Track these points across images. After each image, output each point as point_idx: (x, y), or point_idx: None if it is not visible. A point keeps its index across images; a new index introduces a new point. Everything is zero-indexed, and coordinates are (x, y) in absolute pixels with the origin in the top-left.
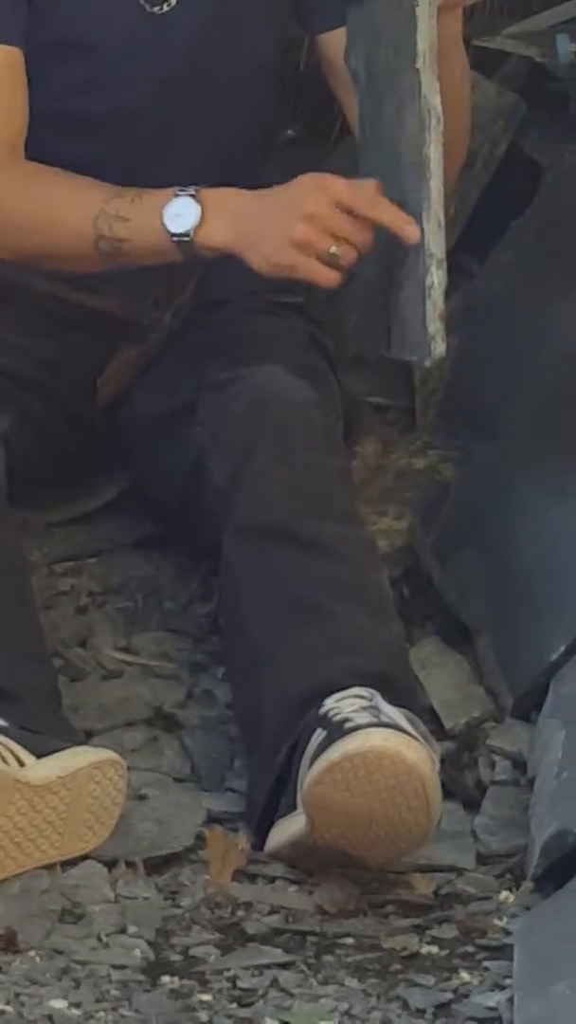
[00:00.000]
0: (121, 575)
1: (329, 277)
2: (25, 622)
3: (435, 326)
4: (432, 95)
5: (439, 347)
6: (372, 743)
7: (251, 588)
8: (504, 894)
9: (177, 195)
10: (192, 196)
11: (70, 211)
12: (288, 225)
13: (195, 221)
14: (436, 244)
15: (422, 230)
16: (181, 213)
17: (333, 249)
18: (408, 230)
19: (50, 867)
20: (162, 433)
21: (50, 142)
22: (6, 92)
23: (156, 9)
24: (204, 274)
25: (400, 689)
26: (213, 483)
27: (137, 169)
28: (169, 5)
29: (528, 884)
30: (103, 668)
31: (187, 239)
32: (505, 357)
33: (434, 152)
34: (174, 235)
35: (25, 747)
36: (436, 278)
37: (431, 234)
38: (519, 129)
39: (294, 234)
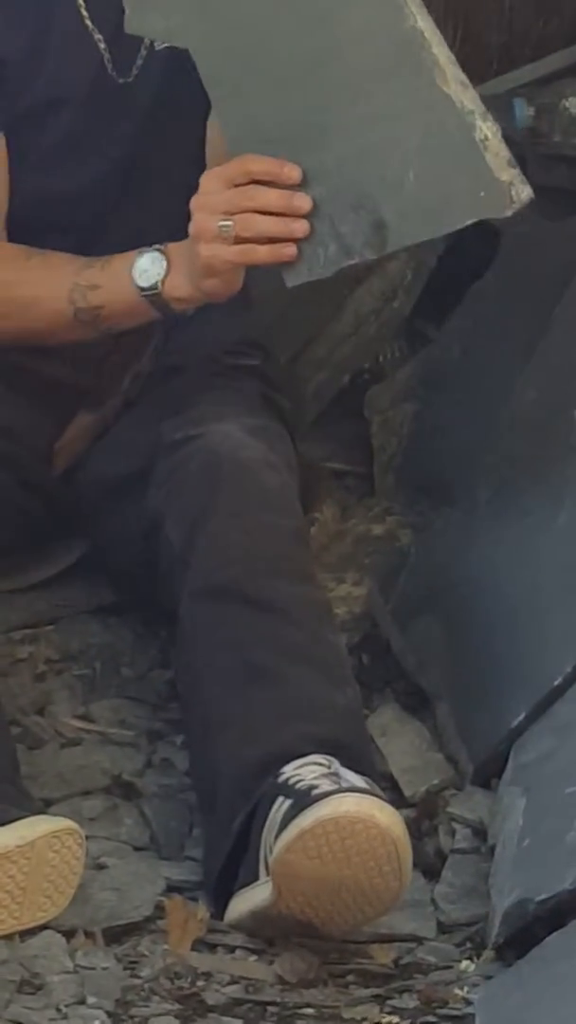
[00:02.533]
0: (79, 642)
1: (241, 253)
2: None
3: (508, 173)
4: None
5: (522, 191)
6: (345, 808)
7: (206, 651)
8: (465, 963)
9: (143, 252)
10: (158, 250)
11: (45, 289)
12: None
13: (162, 273)
14: (470, 100)
15: (448, 95)
16: (148, 268)
17: (221, 223)
18: (286, 171)
19: (8, 937)
20: (119, 497)
21: (13, 211)
22: None
23: (122, 80)
24: (162, 340)
25: (356, 755)
26: (169, 545)
27: (96, 237)
28: (133, 75)
29: (489, 953)
30: (61, 736)
31: (156, 292)
32: (464, 422)
33: (422, 23)
34: (143, 290)
35: None
36: (487, 130)
37: (459, 94)
38: None
39: (194, 238)
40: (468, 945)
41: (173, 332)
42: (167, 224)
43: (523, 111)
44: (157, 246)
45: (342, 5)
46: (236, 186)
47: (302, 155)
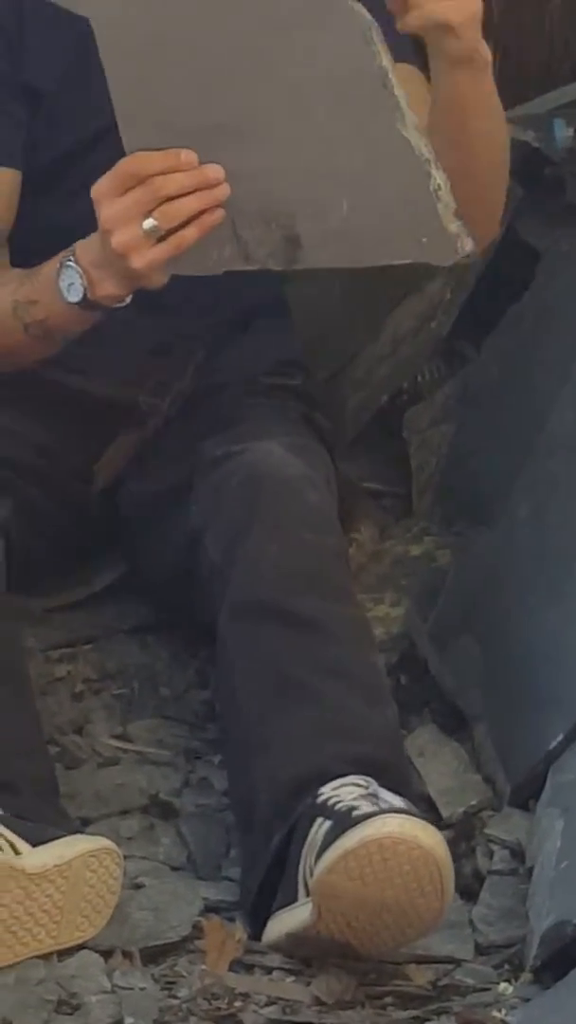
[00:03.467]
0: (117, 662)
1: (174, 247)
2: (22, 711)
3: (455, 224)
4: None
5: (466, 244)
6: (388, 829)
7: (243, 667)
8: (503, 985)
9: (61, 264)
10: (72, 260)
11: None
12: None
13: (83, 283)
14: (426, 147)
15: (407, 140)
16: (72, 282)
17: (145, 227)
18: (183, 158)
19: (46, 957)
20: (158, 514)
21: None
22: None
23: None
24: (203, 359)
25: (394, 775)
26: (209, 560)
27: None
28: None
29: (527, 975)
30: (99, 755)
31: (87, 302)
32: (502, 442)
33: (387, 63)
34: (76, 303)
35: (21, 835)
36: (439, 179)
37: (417, 140)
38: (516, 214)
39: (121, 254)
40: (506, 967)
41: (215, 351)
42: None
43: (562, 131)
44: (69, 255)
45: (307, 21)
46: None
47: (208, 152)
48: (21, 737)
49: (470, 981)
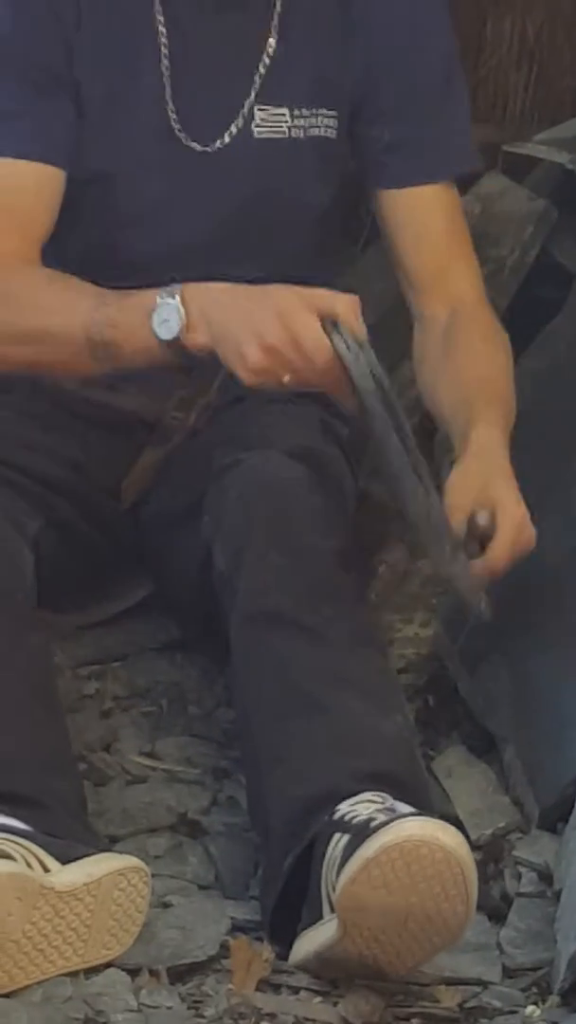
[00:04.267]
0: (146, 679)
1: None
2: (51, 728)
3: (475, 598)
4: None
5: (486, 612)
6: (408, 832)
7: (253, 679)
8: (530, 1008)
9: (161, 299)
10: (176, 298)
11: (61, 319)
12: (251, 343)
13: (180, 323)
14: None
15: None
16: (168, 319)
17: (286, 380)
18: (345, 402)
19: (73, 974)
20: (178, 529)
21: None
22: (30, 206)
23: (204, 147)
24: (229, 374)
25: (409, 788)
26: (218, 571)
27: None
28: (223, 143)
29: (555, 998)
30: (127, 773)
31: (177, 343)
32: (534, 465)
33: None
34: (164, 340)
35: (50, 853)
36: (453, 567)
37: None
38: (549, 235)
39: (253, 359)
40: (534, 990)
41: None
42: None
43: None
44: (173, 293)
45: None
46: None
47: None
48: (50, 754)
49: (497, 1004)
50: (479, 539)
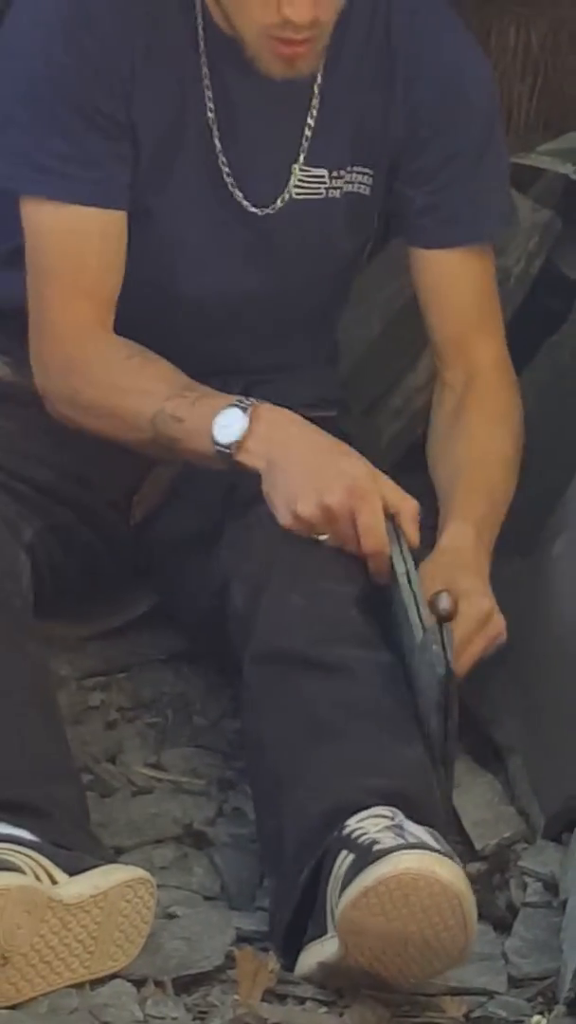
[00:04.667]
0: (151, 690)
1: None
2: (53, 738)
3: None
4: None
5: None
6: (405, 865)
7: (271, 714)
8: (536, 1018)
9: (232, 405)
10: (244, 408)
11: (132, 403)
12: (309, 497)
13: (240, 435)
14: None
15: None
16: (230, 424)
17: (323, 537)
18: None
19: (79, 986)
20: (190, 554)
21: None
22: (97, 256)
23: (258, 211)
24: (242, 395)
25: (421, 807)
26: (234, 609)
27: (196, 349)
28: (274, 208)
29: (560, 1008)
30: (133, 784)
31: (228, 452)
32: (537, 476)
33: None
34: (218, 444)
35: (57, 864)
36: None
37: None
38: (554, 246)
39: (304, 511)
40: (539, 1000)
41: (253, 389)
42: (279, 340)
43: None
44: (247, 403)
45: None
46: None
47: None
48: (52, 762)
49: (503, 1013)
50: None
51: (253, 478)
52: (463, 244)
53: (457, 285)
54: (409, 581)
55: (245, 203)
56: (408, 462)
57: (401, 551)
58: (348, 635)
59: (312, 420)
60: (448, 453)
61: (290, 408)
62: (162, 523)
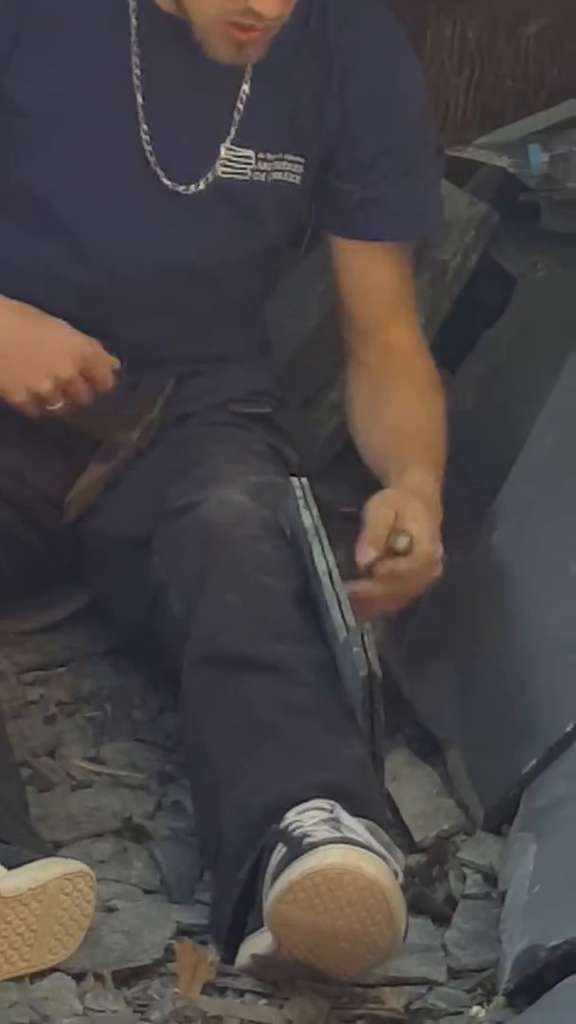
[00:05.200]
0: (91, 684)
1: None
2: None
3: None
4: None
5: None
6: (331, 860)
7: (209, 715)
8: (475, 1009)
9: None
10: None
11: None
12: (34, 375)
13: None
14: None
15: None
16: None
17: (59, 405)
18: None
19: (18, 979)
20: (124, 559)
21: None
22: None
23: (181, 188)
24: (174, 391)
25: (360, 800)
26: (171, 614)
27: (116, 330)
28: (197, 188)
29: (499, 999)
30: (72, 778)
31: None
32: (477, 469)
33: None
34: None
35: None
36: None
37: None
38: (491, 239)
39: (41, 387)
40: (479, 991)
41: (186, 382)
42: (199, 323)
43: (538, 157)
44: None
45: None
46: None
47: None
48: None
49: (443, 1005)
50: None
51: (186, 483)
52: (397, 239)
53: (381, 276)
54: (332, 581)
55: (167, 181)
56: (347, 455)
57: (323, 549)
58: (285, 632)
59: (247, 415)
60: (378, 419)
61: (224, 402)
62: (95, 525)
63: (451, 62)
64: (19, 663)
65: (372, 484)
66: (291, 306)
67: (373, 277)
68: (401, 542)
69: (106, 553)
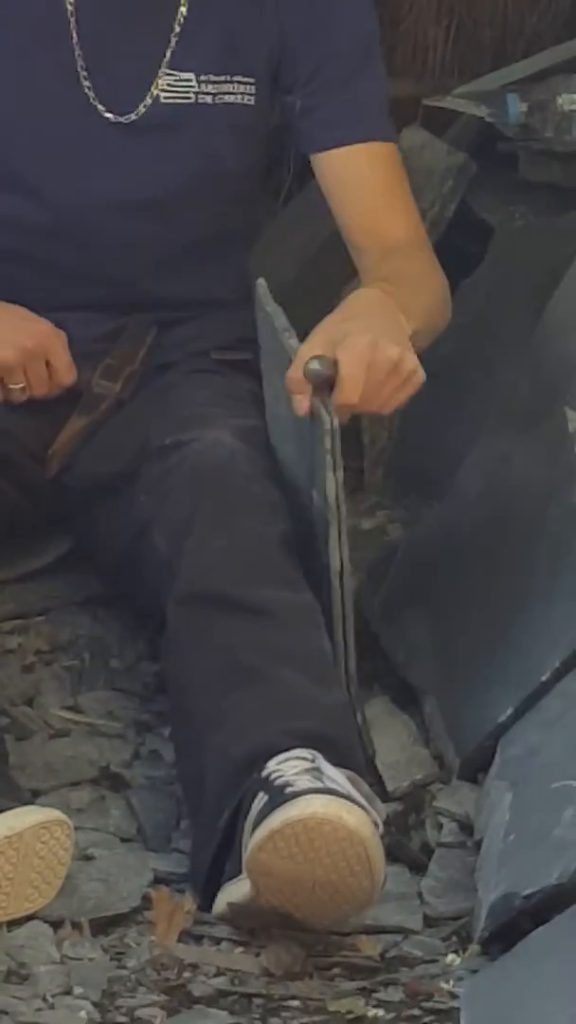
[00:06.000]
0: (68, 633)
1: None
2: None
3: None
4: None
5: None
6: (312, 810)
7: (193, 656)
8: (450, 957)
9: None
10: None
11: None
12: (6, 344)
13: None
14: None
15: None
16: None
17: (21, 385)
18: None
19: None
20: (107, 497)
21: None
22: None
23: (122, 119)
24: (154, 342)
25: (342, 749)
26: (155, 552)
27: (85, 270)
28: (137, 115)
29: (475, 947)
30: (49, 727)
31: None
32: (454, 418)
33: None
34: None
35: None
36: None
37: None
38: (469, 189)
39: (5, 356)
40: (454, 939)
41: (167, 332)
42: (165, 261)
43: (516, 107)
44: None
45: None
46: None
47: None
48: None
49: (418, 953)
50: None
51: (169, 423)
52: (347, 143)
53: (357, 178)
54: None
55: (106, 113)
56: None
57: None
58: (271, 576)
59: (229, 362)
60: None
61: (206, 350)
62: (77, 469)
63: (429, 12)
64: None
65: (350, 435)
66: (270, 257)
67: (349, 182)
68: (315, 363)
69: (90, 495)
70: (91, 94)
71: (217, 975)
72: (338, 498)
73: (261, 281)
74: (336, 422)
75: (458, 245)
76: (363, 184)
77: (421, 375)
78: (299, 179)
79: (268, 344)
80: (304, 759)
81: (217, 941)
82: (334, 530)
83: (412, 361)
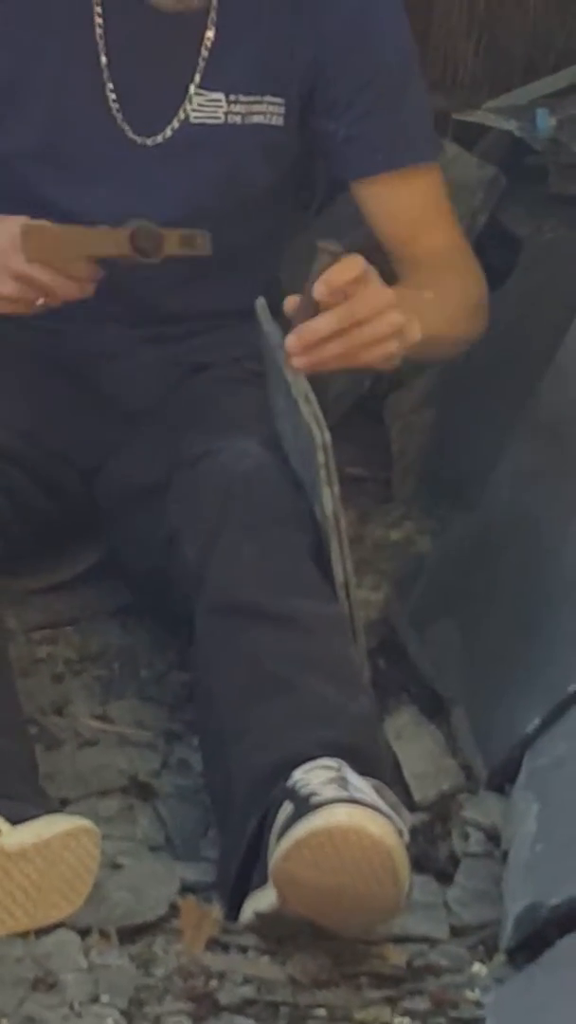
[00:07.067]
0: (98, 643)
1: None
2: (2, 690)
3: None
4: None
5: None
6: (337, 820)
7: (221, 666)
8: (477, 966)
9: None
10: None
11: None
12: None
13: None
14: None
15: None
16: None
17: (40, 301)
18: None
19: (23, 935)
20: (137, 507)
21: None
22: None
23: (149, 140)
24: (185, 348)
25: (367, 759)
26: (185, 561)
27: (114, 289)
28: (164, 137)
29: (501, 957)
30: (79, 736)
31: None
32: (483, 429)
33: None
34: None
35: (0, 814)
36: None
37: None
38: (498, 202)
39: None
40: (480, 948)
41: (193, 336)
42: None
43: (545, 121)
44: None
45: None
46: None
47: None
48: (0, 716)
49: (444, 962)
50: None
51: (200, 433)
52: (391, 169)
53: (398, 204)
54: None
55: (133, 136)
56: (354, 416)
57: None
58: (299, 586)
59: (257, 373)
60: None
61: (239, 358)
62: (108, 476)
63: (460, 25)
64: (27, 621)
65: (379, 445)
66: (301, 267)
67: (393, 206)
68: (323, 258)
69: (119, 503)
70: (119, 116)
71: (244, 983)
72: (335, 512)
73: (260, 300)
74: (328, 436)
75: (487, 259)
76: (405, 206)
77: (414, 334)
78: (330, 190)
79: (268, 362)
80: (330, 768)
81: (244, 950)
82: (335, 543)
83: (401, 317)
